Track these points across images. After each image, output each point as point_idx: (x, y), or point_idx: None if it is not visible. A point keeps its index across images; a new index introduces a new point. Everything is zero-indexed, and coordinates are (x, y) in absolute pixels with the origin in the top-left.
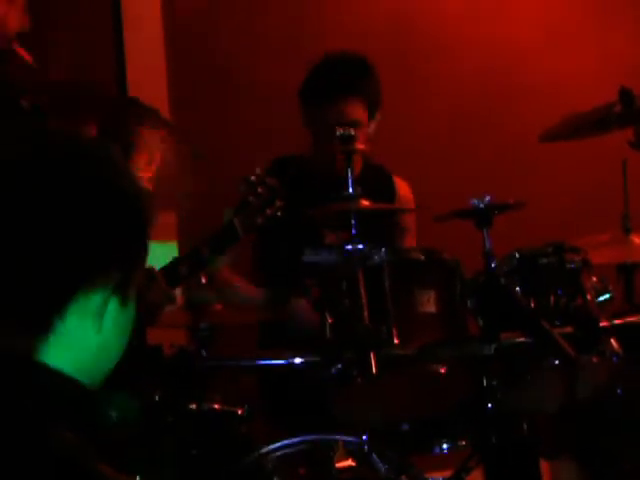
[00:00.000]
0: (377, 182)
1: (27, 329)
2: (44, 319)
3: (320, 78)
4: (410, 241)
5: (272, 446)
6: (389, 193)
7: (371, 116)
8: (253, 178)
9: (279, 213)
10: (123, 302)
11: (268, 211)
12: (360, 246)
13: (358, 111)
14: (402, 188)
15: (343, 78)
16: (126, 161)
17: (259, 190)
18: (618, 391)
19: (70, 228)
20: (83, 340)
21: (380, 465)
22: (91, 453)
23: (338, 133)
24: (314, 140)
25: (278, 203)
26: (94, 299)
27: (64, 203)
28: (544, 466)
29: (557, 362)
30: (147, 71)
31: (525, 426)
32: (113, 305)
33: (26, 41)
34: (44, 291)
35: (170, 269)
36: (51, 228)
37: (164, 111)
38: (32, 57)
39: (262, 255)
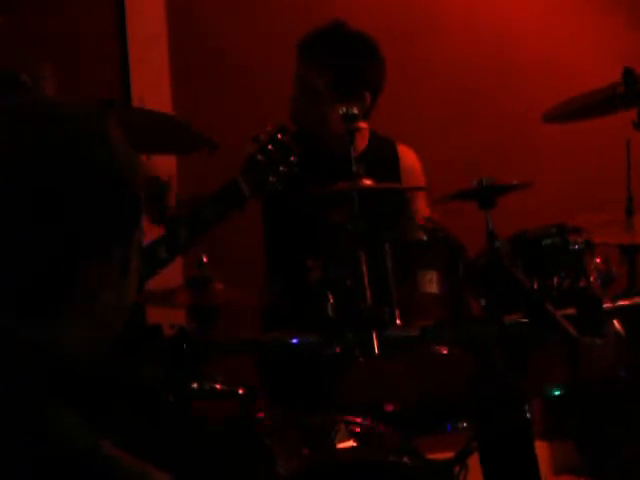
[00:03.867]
0: (382, 155)
1: (28, 311)
2: (45, 300)
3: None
4: (421, 203)
5: None
6: (394, 165)
7: (337, 93)
8: (262, 136)
9: (295, 170)
10: (124, 273)
11: (282, 168)
12: (363, 225)
13: (310, 74)
14: (406, 158)
15: (311, 40)
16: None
17: (269, 148)
18: (622, 373)
19: (66, 209)
20: (86, 316)
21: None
22: (92, 430)
23: (341, 111)
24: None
25: (293, 159)
26: (95, 275)
27: (58, 185)
28: (546, 447)
29: (560, 344)
30: (150, 61)
31: (525, 408)
32: (115, 278)
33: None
34: (44, 274)
35: (168, 235)
36: (46, 210)
37: (167, 99)
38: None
39: (269, 236)
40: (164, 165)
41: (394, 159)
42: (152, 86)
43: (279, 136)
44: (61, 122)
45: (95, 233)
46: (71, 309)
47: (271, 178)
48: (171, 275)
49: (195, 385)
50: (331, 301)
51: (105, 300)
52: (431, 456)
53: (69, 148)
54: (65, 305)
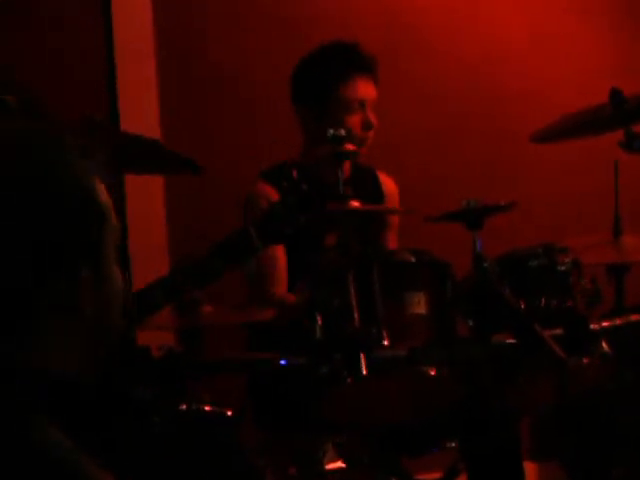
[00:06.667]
0: (365, 183)
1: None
2: (16, 322)
3: (326, 61)
4: (392, 236)
5: None
6: (377, 192)
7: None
8: (285, 185)
9: (312, 219)
10: (98, 287)
11: (302, 219)
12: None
13: (373, 91)
14: (387, 184)
15: (356, 56)
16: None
17: (291, 198)
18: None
19: (29, 226)
20: (62, 334)
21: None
22: (78, 449)
23: (329, 134)
24: (309, 141)
25: (313, 209)
26: (64, 290)
27: (19, 200)
28: (533, 467)
29: (547, 364)
30: (137, 77)
31: (513, 428)
32: (87, 293)
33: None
34: (8, 290)
35: (169, 281)
36: (9, 226)
37: (154, 118)
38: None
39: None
40: (152, 185)
41: (377, 186)
42: (139, 105)
43: (303, 186)
44: (25, 149)
45: (60, 248)
46: (42, 325)
47: (286, 228)
48: None
49: (183, 406)
50: (319, 322)
51: (83, 315)
52: (419, 476)
53: (33, 173)
54: (34, 322)
